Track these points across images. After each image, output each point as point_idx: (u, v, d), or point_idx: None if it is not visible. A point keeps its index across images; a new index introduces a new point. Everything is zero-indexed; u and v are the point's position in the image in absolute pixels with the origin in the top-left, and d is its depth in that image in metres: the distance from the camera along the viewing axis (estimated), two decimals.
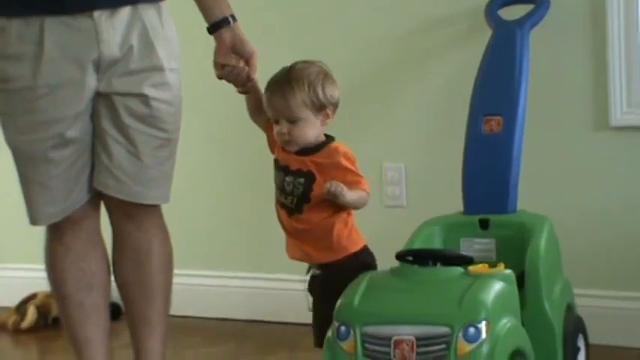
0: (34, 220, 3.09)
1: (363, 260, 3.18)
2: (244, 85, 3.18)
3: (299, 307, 4.18)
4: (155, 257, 3.22)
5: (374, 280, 3.19)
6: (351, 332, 3.02)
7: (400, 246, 3.41)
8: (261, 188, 4.18)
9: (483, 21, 3.95)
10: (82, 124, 2.99)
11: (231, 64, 3.14)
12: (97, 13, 2.88)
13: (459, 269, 3.13)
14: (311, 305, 3.26)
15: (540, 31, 3.87)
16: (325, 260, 3.15)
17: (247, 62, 3.15)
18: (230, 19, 3.13)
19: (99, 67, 2.94)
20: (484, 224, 3.54)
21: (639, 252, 3.99)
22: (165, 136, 3.09)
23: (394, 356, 2.95)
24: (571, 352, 3.42)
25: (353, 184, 3.08)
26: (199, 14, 3.36)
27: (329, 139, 3.13)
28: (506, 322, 2.99)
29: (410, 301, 3.08)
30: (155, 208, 3.20)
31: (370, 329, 3.00)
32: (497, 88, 3.74)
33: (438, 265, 3.17)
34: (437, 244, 3.59)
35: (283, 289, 4.54)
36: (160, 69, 3.03)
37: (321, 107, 3.06)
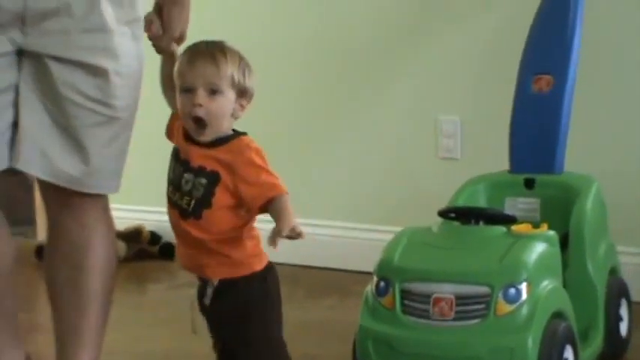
0: None
1: (269, 286, 2.76)
2: (165, 48, 2.84)
3: (348, 254, 4.39)
4: (94, 257, 2.82)
5: (415, 237, 3.14)
6: (391, 288, 2.97)
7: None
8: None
9: None
10: None
11: (148, 26, 2.84)
12: None
13: (502, 229, 3.08)
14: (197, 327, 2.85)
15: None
16: (223, 276, 2.71)
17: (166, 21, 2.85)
18: None
19: (24, 19, 2.60)
20: (529, 184, 3.47)
21: None
22: (110, 113, 2.70)
23: (433, 313, 2.90)
24: (614, 316, 3.38)
25: (270, 188, 2.63)
26: None
27: (238, 133, 2.76)
28: (547, 284, 2.94)
29: (450, 259, 3.04)
30: (100, 199, 2.81)
31: (410, 286, 2.95)
32: (548, 46, 3.65)
33: (481, 223, 3.12)
34: (481, 202, 3.51)
35: (333, 236, 4.52)
36: (106, 30, 2.68)
37: (241, 92, 2.70)
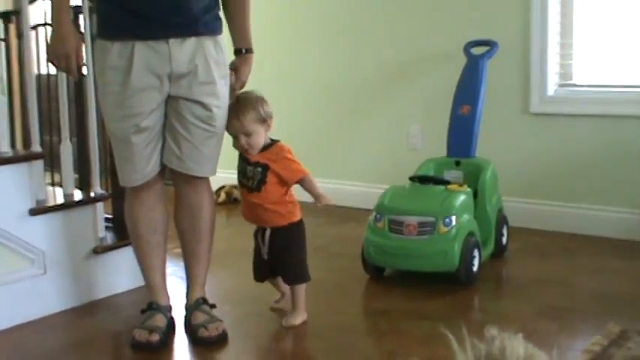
0: (123, 183, 3.18)
1: (301, 230, 3.28)
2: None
3: (358, 199, 4.94)
4: (205, 211, 3.23)
5: (396, 190, 3.87)
6: (382, 218, 3.74)
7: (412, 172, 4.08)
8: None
9: (462, 54, 4.55)
10: (154, 118, 3.02)
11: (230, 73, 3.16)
12: (171, 41, 2.96)
13: (442, 187, 3.83)
14: (263, 254, 3.31)
15: (492, 60, 4.51)
16: (273, 224, 3.25)
17: (237, 77, 3.21)
18: (244, 50, 3.24)
19: (171, 78, 2.99)
20: (457, 163, 4.18)
21: (532, 179, 4.70)
22: (213, 130, 3.09)
23: (405, 232, 3.67)
24: (499, 233, 4.13)
25: (297, 172, 3.19)
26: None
27: (275, 141, 3.22)
28: (466, 217, 3.72)
29: (415, 202, 3.76)
30: (206, 178, 3.21)
31: (393, 217, 3.71)
32: (468, 88, 4.32)
33: (431, 184, 3.89)
34: (431, 173, 4.16)
35: (352, 188, 5.18)
36: (213, 83, 3.05)
37: (264, 120, 3.14)
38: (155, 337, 3.09)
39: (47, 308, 3.53)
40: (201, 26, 2.99)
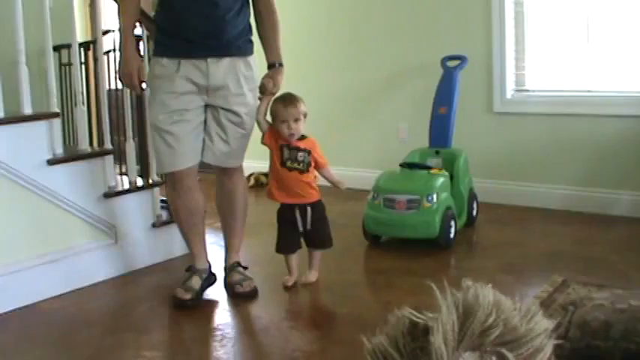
0: (160, 169, 3.16)
1: (323, 204, 3.26)
2: (267, 95, 3.12)
3: (360, 181, 4.52)
4: (239, 194, 3.21)
5: (389, 174, 3.87)
6: (379, 196, 3.77)
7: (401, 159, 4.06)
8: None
9: (440, 66, 4.51)
10: (192, 115, 2.99)
11: (264, 83, 3.09)
12: (209, 59, 2.95)
13: (426, 171, 3.85)
14: (307, 224, 3.19)
15: (463, 71, 4.47)
16: (312, 200, 3.21)
17: (274, 85, 3.11)
18: (277, 64, 3.13)
19: (208, 89, 2.98)
20: (437, 152, 4.18)
21: (497, 163, 4.63)
22: (244, 132, 3.09)
23: (396, 208, 3.69)
24: (470, 207, 4.12)
25: (325, 160, 3.21)
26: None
27: (305, 135, 3.19)
28: (445, 195, 3.75)
29: (404, 184, 3.79)
30: (239, 168, 3.19)
31: (387, 195, 3.74)
32: (445, 93, 4.32)
33: (417, 169, 3.91)
34: (417, 160, 4.16)
35: (355, 172, 4.96)
36: (243, 95, 3.02)
37: (305, 115, 3.14)
38: (188, 296, 3.08)
39: (118, 270, 3.57)
40: (235, 49, 2.98)
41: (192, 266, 3.21)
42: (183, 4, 2.92)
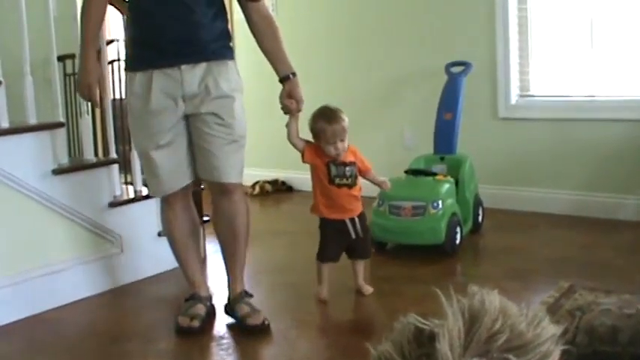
0: (152, 193, 3.04)
1: (365, 215, 3.24)
2: (293, 115, 2.98)
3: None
4: (239, 218, 2.96)
5: (395, 180, 3.67)
6: (384, 203, 3.77)
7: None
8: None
9: (444, 72, 4.50)
10: (172, 134, 2.83)
11: (285, 105, 2.94)
12: (183, 67, 2.77)
13: (431, 178, 3.87)
14: (359, 233, 3.17)
15: (468, 77, 4.45)
16: (358, 211, 3.18)
17: (297, 103, 2.94)
18: (291, 75, 2.93)
19: (184, 98, 2.80)
20: (442, 158, 4.17)
21: (503, 171, 4.64)
22: (232, 137, 2.84)
23: (402, 214, 3.70)
24: (476, 213, 4.11)
25: (368, 164, 3.19)
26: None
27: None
28: (450, 201, 3.76)
29: (410, 190, 3.79)
30: (239, 186, 2.94)
31: (392, 202, 3.73)
32: (450, 99, 4.31)
33: (422, 176, 3.91)
34: (422, 166, 4.13)
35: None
36: (224, 97, 2.82)
37: (347, 131, 3.10)
38: (196, 324, 2.93)
39: (124, 279, 3.57)
40: (210, 53, 2.80)
41: (195, 294, 3.04)
42: (153, 9, 2.77)
